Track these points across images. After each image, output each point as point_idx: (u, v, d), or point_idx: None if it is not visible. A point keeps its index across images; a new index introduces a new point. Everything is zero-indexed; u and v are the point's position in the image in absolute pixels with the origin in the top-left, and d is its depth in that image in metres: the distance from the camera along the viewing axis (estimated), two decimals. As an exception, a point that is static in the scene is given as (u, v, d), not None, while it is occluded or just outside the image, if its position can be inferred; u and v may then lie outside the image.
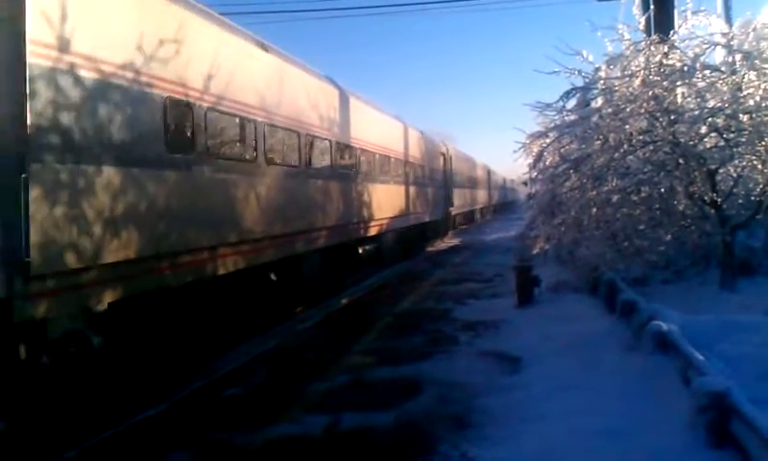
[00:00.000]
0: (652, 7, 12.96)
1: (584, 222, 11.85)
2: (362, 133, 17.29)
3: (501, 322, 11.06)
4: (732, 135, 10.16)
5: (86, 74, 6.91)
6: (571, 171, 11.94)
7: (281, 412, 7.03)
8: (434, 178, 29.60)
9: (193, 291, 8.97)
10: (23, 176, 6.07)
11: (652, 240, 11.17)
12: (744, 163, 10.60)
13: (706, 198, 10.52)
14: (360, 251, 17.73)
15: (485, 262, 21.00)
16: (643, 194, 10.94)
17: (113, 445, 6.37)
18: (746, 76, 10.21)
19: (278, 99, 11.66)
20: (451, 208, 34.67)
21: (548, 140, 13.39)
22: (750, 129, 9.87)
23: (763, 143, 9.94)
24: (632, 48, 11.54)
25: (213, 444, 6.30)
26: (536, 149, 14.16)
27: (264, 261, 10.95)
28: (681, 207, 11.15)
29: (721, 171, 10.65)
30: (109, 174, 7.19)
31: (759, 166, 10.32)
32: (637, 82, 10.76)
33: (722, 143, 10.33)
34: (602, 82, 11.75)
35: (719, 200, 10.47)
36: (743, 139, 10.10)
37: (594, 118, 11.57)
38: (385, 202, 19.98)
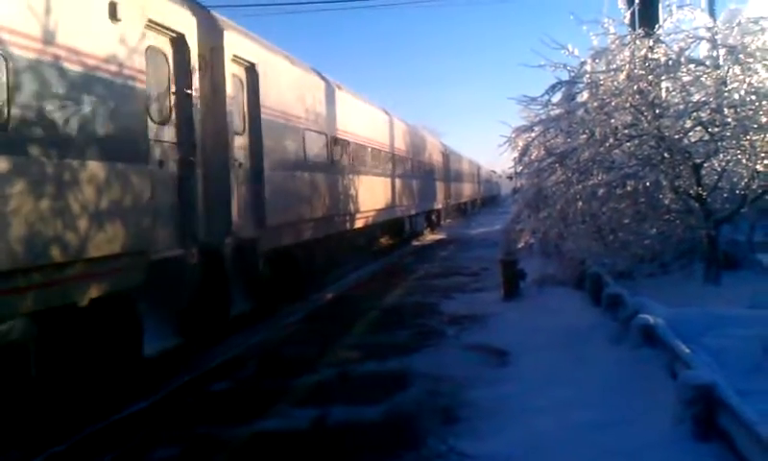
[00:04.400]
0: (637, 1, 12.96)
1: (569, 216, 11.86)
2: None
3: (488, 315, 11.09)
4: (716, 130, 10.19)
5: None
6: (557, 165, 11.94)
7: (269, 406, 7.00)
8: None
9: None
10: None
11: (637, 234, 11.20)
12: (729, 157, 10.62)
13: (691, 192, 10.56)
14: None
15: (471, 256, 21.04)
16: (629, 188, 10.95)
17: (101, 439, 6.31)
18: (730, 70, 10.25)
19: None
20: (264, 219, 11.10)
21: (534, 134, 13.40)
22: (734, 123, 9.89)
23: (748, 137, 9.98)
24: (617, 42, 11.54)
25: (200, 438, 6.27)
26: (521, 143, 14.17)
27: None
28: (666, 201, 11.17)
29: (706, 165, 10.68)
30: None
31: (744, 160, 10.36)
32: (623, 76, 10.76)
33: (707, 137, 10.35)
34: (587, 76, 11.75)
35: (704, 194, 10.51)
36: (728, 133, 10.13)
37: (580, 112, 11.57)
38: None
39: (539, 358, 8.07)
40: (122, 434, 6.46)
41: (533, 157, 13.60)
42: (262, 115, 11.25)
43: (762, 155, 10.07)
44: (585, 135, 11.24)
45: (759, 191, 10.48)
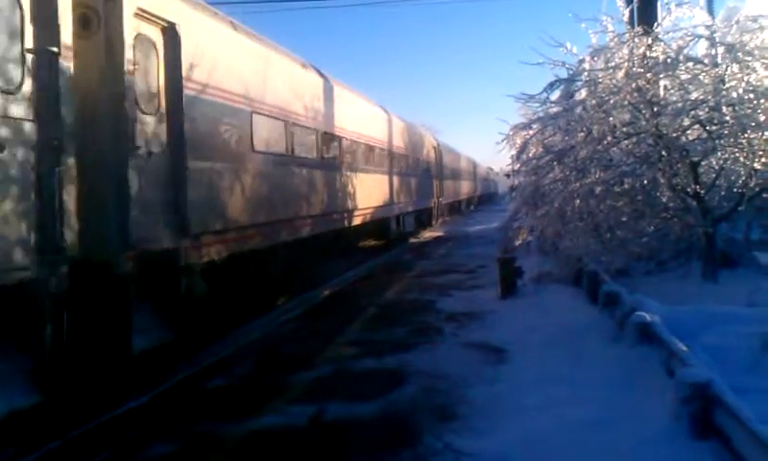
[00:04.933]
0: (635, -2, 12.95)
1: (567, 213, 11.87)
2: None
3: (485, 313, 11.08)
4: (714, 128, 10.20)
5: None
6: (555, 163, 11.96)
7: (266, 403, 6.98)
8: None
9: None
10: None
11: (635, 232, 11.21)
12: (726, 156, 10.63)
13: (688, 190, 10.56)
14: None
15: (469, 253, 21.04)
16: (626, 186, 10.97)
17: (97, 436, 6.29)
18: (729, 68, 10.24)
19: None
20: (188, 226, 8.79)
21: (532, 132, 13.39)
22: (732, 121, 9.89)
23: (746, 135, 9.97)
24: (616, 40, 11.54)
25: (197, 435, 6.25)
26: (519, 140, 14.16)
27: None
28: (663, 199, 11.19)
29: (703, 163, 10.69)
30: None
31: (742, 158, 10.36)
32: (621, 73, 10.76)
33: (705, 135, 10.36)
34: (586, 73, 11.74)
35: (702, 192, 10.52)
36: (726, 132, 10.13)
37: (578, 110, 11.58)
38: None
39: (535, 356, 8.05)
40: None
41: (531, 155, 13.61)
42: (185, 91, 8.68)
43: (760, 153, 10.07)
44: (583, 133, 11.24)
45: (757, 189, 10.50)
